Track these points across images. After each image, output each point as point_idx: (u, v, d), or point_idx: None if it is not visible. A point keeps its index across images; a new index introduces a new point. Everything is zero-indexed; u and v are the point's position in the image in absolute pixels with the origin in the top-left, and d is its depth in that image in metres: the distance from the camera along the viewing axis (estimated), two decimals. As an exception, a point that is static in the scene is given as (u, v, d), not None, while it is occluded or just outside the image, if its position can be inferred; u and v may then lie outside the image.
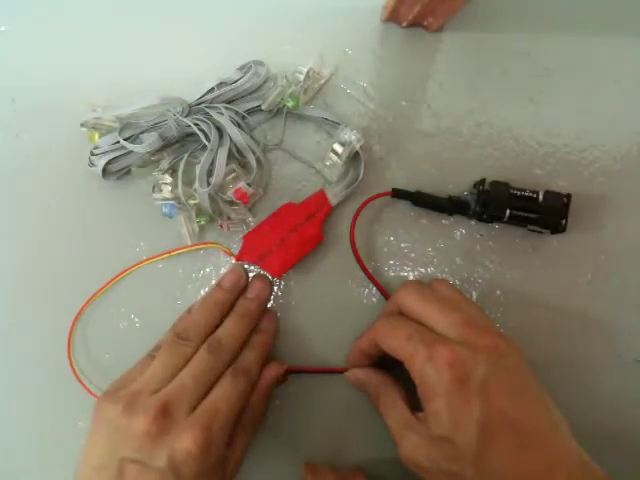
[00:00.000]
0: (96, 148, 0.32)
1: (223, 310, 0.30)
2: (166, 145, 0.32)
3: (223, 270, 0.33)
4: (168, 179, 0.32)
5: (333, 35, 0.35)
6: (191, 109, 0.32)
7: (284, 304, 0.33)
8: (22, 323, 0.34)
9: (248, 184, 0.31)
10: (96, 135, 0.33)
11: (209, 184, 0.31)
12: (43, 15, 0.36)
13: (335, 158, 0.32)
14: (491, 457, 0.22)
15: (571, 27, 0.35)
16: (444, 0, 0.31)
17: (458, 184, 0.33)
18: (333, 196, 0.32)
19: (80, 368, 0.33)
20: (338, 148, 0.32)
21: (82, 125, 0.33)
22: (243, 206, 0.32)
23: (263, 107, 0.33)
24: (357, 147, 0.32)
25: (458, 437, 0.23)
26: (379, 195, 0.32)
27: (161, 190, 0.32)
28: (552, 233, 0.32)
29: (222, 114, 0.31)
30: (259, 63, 0.33)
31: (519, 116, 0.34)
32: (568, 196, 0.31)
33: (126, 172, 0.33)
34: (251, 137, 0.32)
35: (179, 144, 0.33)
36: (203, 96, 0.32)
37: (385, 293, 0.32)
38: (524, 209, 0.31)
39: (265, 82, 0.34)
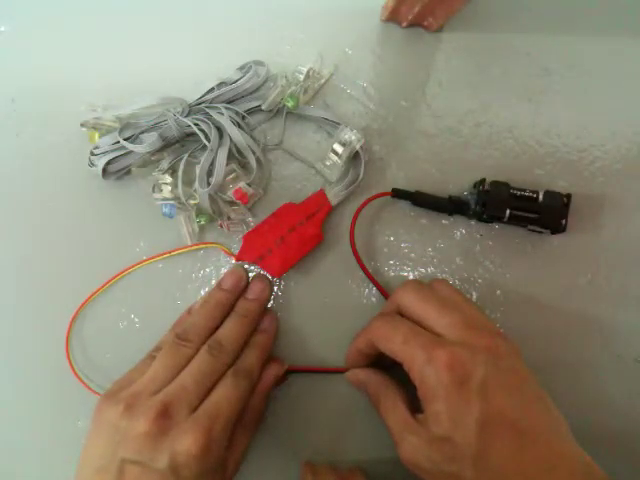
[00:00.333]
0: (96, 148, 0.32)
1: (223, 311, 0.30)
2: (166, 145, 0.32)
3: (223, 270, 0.33)
4: (168, 179, 0.32)
5: (333, 35, 0.35)
6: (191, 109, 0.32)
7: (284, 304, 0.33)
8: (22, 323, 0.34)
9: (248, 184, 0.31)
10: (96, 135, 0.33)
11: (209, 184, 0.31)
12: (43, 15, 0.36)
13: (335, 158, 0.32)
14: (491, 457, 0.22)
15: (571, 27, 0.35)
16: (444, 0, 0.31)
17: (458, 184, 0.34)
18: (333, 196, 0.32)
19: (80, 368, 0.33)
20: (338, 148, 0.32)
21: (82, 125, 0.33)
22: (243, 206, 0.32)
23: (263, 107, 0.33)
24: (357, 147, 0.32)
25: (458, 437, 0.23)
26: (379, 195, 0.32)
27: (161, 190, 0.32)
28: (552, 233, 0.32)
29: (222, 114, 0.31)
30: (259, 63, 0.33)
31: (519, 116, 0.34)
32: (568, 196, 0.31)
33: (126, 172, 0.33)
34: (251, 137, 0.32)
35: (179, 144, 0.33)
36: (203, 96, 0.32)
37: (385, 293, 0.32)
38: (524, 209, 0.31)
39: (265, 82, 0.34)
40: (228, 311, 0.30)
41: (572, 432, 0.24)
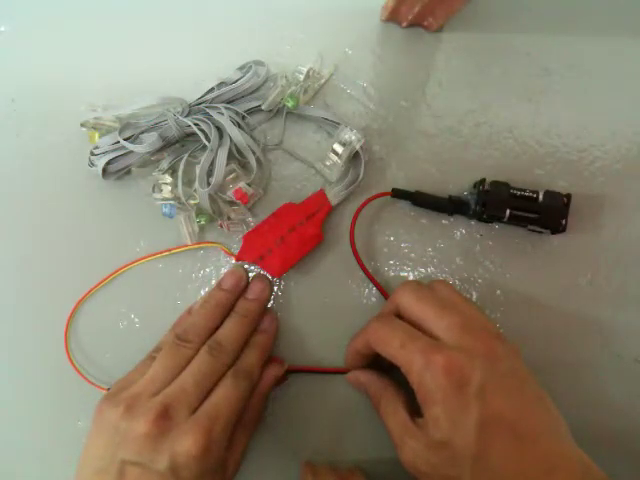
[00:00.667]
0: (96, 148, 0.32)
1: (223, 311, 0.30)
2: (166, 145, 0.32)
3: (223, 270, 0.33)
4: (168, 179, 0.32)
5: (333, 35, 0.35)
6: (191, 109, 0.32)
7: (284, 304, 0.33)
8: (22, 324, 0.34)
9: (248, 184, 0.31)
10: (96, 135, 0.33)
11: (209, 184, 0.31)
12: (43, 15, 0.36)
13: (335, 158, 0.32)
14: (490, 459, 0.22)
15: (571, 27, 0.35)
16: (444, 0, 0.31)
17: (458, 184, 0.34)
18: (333, 196, 0.32)
19: (80, 367, 0.33)
20: (338, 148, 0.32)
21: (82, 125, 0.33)
22: (243, 206, 0.32)
23: (263, 107, 0.33)
24: (357, 147, 0.31)
25: (457, 441, 0.23)
26: (379, 195, 0.32)
27: (161, 190, 0.32)
28: (552, 233, 0.32)
29: (222, 114, 0.31)
30: (259, 63, 0.33)
31: (519, 116, 0.34)
32: (568, 196, 0.31)
33: (126, 172, 0.33)
34: (251, 137, 0.32)
35: (179, 144, 0.33)
36: (203, 96, 0.32)
37: (385, 293, 0.32)
38: (524, 209, 0.31)
39: (265, 82, 0.34)
40: (228, 311, 0.30)
41: (572, 432, 0.24)
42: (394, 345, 0.26)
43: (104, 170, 0.32)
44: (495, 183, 0.31)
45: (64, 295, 0.33)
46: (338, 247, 0.33)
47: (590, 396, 0.32)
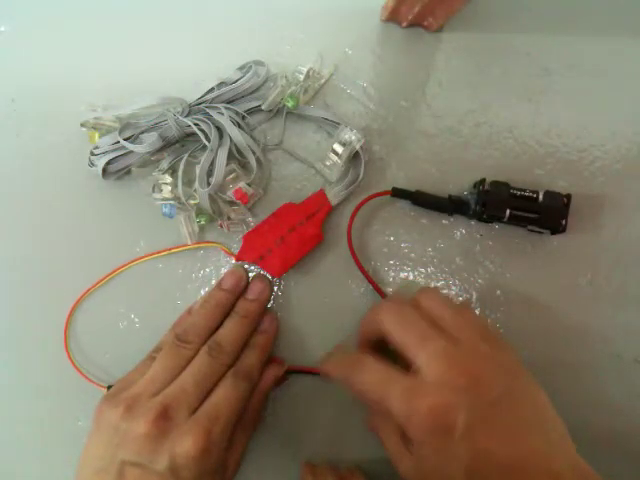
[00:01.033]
0: (96, 148, 0.32)
1: (223, 311, 0.30)
2: (166, 145, 0.32)
3: (223, 270, 0.33)
4: (168, 179, 0.32)
5: (333, 35, 0.35)
6: (191, 109, 0.32)
7: (284, 304, 0.33)
8: (22, 324, 0.34)
9: (248, 184, 0.31)
10: (96, 135, 0.33)
11: (209, 184, 0.31)
12: (43, 15, 0.36)
13: (335, 158, 0.32)
14: None
15: (571, 27, 0.35)
16: (444, 0, 0.31)
17: (458, 184, 0.34)
18: (333, 196, 0.32)
19: (80, 367, 0.33)
20: (338, 148, 0.32)
21: (82, 125, 0.33)
22: (243, 206, 0.32)
23: (263, 107, 0.33)
24: (357, 147, 0.32)
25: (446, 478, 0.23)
26: (378, 194, 0.32)
27: (161, 190, 0.32)
28: (552, 234, 0.32)
29: (222, 114, 0.31)
30: (259, 63, 0.33)
31: (519, 116, 0.34)
32: (568, 196, 0.31)
33: (126, 172, 0.33)
34: (251, 137, 0.32)
35: (179, 144, 0.33)
36: (203, 96, 0.32)
37: (381, 292, 0.32)
38: (524, 209, 0.31)
39: (265, 82, 0.34)
40: (228, 311, 0.30)
41: (572, 432, 0.24)
42: (372, 383, 0.24)
43: (104, 170, 0.32)
44: (495, 183, 0.31)
45: (64, 294, 0.33)
46: (338, 247, 0.33)
47: (590, 396, 0.32)
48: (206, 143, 0.31)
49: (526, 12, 0.35)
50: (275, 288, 0.33)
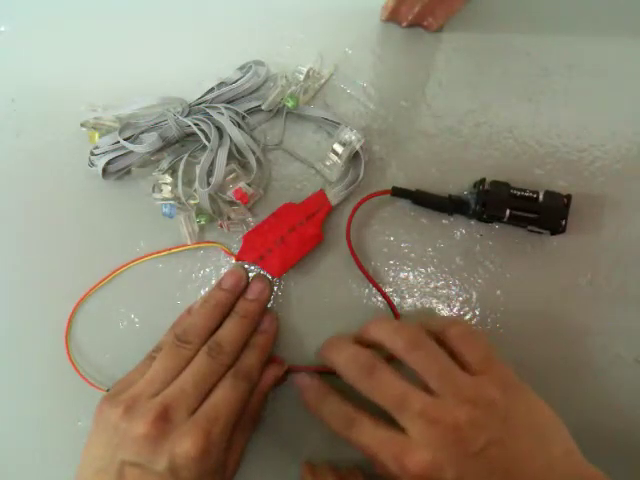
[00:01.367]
0: (96, 148, 0.32)
1: (223, 311, 0.30)
2: (166, 145, 0.32)
3: (223, 270, 0.33)
4: (168, 179, 0.32)
5: (333, 35, 0.35)
6: (191, 109, 0.32)
7: (284, 304, 0.33)
8: (22, 324, 0.34)
9: (248, 184, 0.31)
10: (96, 135, 0.33)
11: (209, 184, 0.31)
12: (43, 15, 0.36)
13: (335, 158, 0.32)
14: None
15: (571, 27, 0.35)
16: (444, 0, 0.31)
17: (458, 184, 0.33)
18: (333, 196, 0.32)
19: (80, 368, 0.33)
20: (338, 148, 0.32)
21: (82, 125, 0.33)
22: (243, 206, 0.32)
23: (263, 107, 0.33)
24: (357, 147, 0.32)
25: None
26: (378, 193, 0.32)
27: (161, 190, 0.32)
28: (552, 234, 0.32)
29: (222, 114, 0.31)
30: (259, 63, 0.33)
31: (519, 116, 0.34)
32: (568, 197, 0.31)
33: (126, 172, 0.33)
34: (251, 137, 0.32)
35: (179, 144, 0.33)
36: (203, 96, 0.32)
37: (382, 291, 0.32)
38: (524, 209, 0.31)
39: (265, 82, 0.34)
40: (228, 311, 0.30)
41: (572, 432, 0.24)
42: (370, 450, 0.25)
43: (104, 170, 0.32)
44: (495, 183, 0.31)
45: (64, 295, 0.33)
46: (338, 247, 0.33)
47: (590, 396, 0.32)
48: (206, 143, 0.31)
49: (526, 12, 0.35)
50: (275, 288, 0.33)
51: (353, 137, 0.31)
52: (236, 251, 0.33)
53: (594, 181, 0.34)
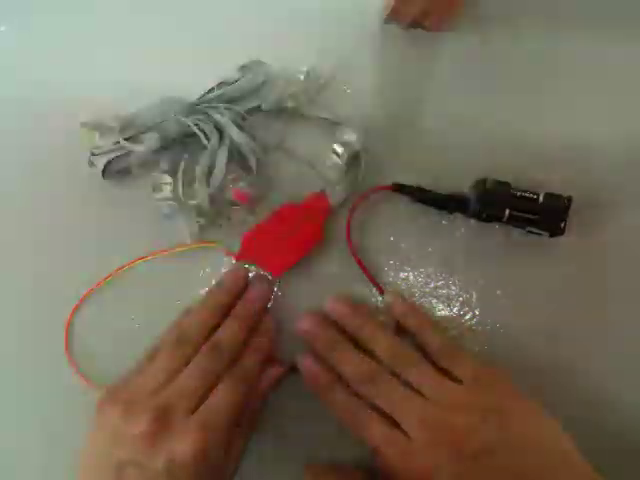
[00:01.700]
0: (96, 148, 0.32)
1: (223, 311, 0.30)
2: (166, 145, 0.32)
3: (223, 270, 0.33)
4: (168, 179, 0.32)
5: (333, 35, 0.35)
6: (191, 109, 0.32)
7: (284, 304, 0.33)
8: (22, 323, 0.34)
9: (248, 184, 0.31)
10: (96, 135, 0.33)
11: (209, 184, 0.31)
12: (43, 15, 0.36)
13: (335, 158, 0.32)
14: None
15: (572, 27, 0.35)
16: (444, 1, 0.31)
17: (458, 184, 0.33)
18: (333, 196, 0.32)
19: (80, 368, 0.33)
20: (338, 148, 0.32)
21: (82, 125, 0.33)
22: (243, 206, 0.32)
23: (263, 107, 0.33)
24: (357, 147, 0.32)
25: None
26: (380, 188, 0.32)
27: (161, 190, 0.32)
28: (551, 236, 0.32)
29: (222, 114, 0.31)
30: (259, 63, 0.33)
31: (519, 116, 0.34)
32: (569, 198, 0.31)
33: (126, 172, 0.33)
34: (251, 137, 0.32)
35: (179, 144, 0.33)
36: (203, 96, 0.32)
37: (382, 290, 0.32)
38: (524, 210, 0.31)
39: (265, 82, 0.34)
40: (227, 311, 0.30)
41: (572, 432, 0.24)
42: (377, 449, 0.26)
43: (104, 170, 0.32)
44: (496, 183, 0.31)
45: (64, 295, 0.33)
46: (338, 247, 0.33)
47: (590, 396, 0.32)
48: (206, 143, 0.31)
49: (526, 12, 0.35)
50: (275, 288, 0.33)
51: (353, 137, 0.31)
52: (236, 251, 0.33)
53: (594, 181, 0.34)
